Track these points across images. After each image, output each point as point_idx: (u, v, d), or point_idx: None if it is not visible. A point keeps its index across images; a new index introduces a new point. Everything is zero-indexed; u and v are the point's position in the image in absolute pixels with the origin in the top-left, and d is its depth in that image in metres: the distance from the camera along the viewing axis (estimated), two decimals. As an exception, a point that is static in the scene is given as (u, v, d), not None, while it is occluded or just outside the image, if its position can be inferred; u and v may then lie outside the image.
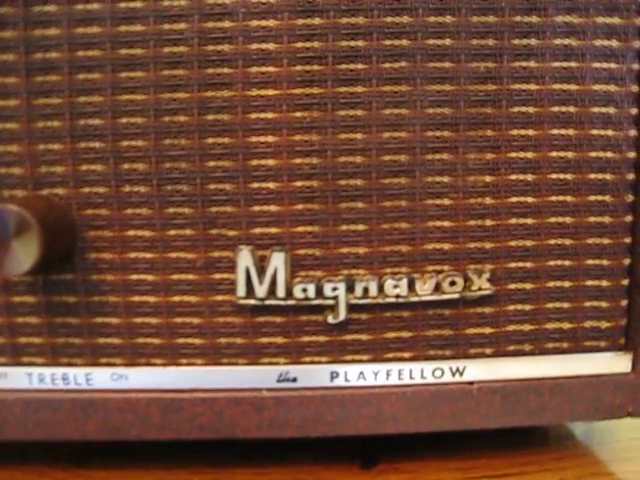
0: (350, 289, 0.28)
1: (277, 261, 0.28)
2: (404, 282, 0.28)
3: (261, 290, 0.28)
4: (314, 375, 0.29)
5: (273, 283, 0.28)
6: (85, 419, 0.30)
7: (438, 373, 0.30)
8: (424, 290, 0.29)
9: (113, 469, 0.32)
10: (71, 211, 0.29)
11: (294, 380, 0.30)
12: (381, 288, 0.28)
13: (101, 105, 0.28)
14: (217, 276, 0.29)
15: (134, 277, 0.29)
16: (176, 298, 0.29)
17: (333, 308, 0.29)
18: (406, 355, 0.30)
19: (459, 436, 0.32)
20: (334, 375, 0.30)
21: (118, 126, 0.28)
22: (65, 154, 0.29)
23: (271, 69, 0.28)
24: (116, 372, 0.30)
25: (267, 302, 0.28)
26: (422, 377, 0.30)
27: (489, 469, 0.32)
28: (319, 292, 0.28)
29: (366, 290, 0.28)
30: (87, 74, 0.28)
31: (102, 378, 0.30)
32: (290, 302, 0.28)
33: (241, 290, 0.28)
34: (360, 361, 0.29)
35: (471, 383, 0.30)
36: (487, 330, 0.30)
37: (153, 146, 0.28)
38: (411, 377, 0.30)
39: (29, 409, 0.30)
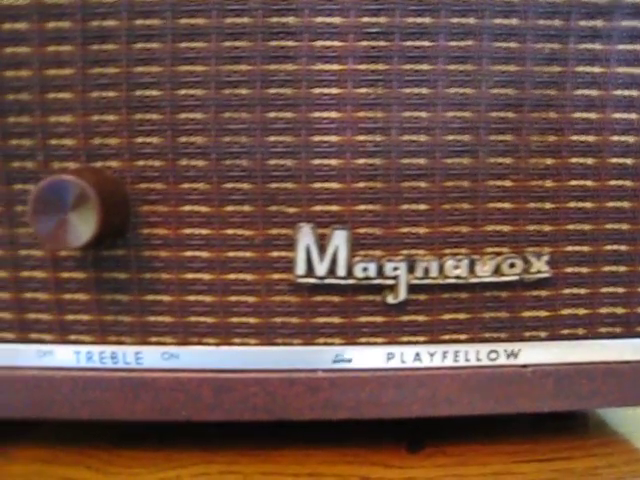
0: (411, 269, 0.28)
1: (338, 239, 0.28)
2: (465, 263, 0.28)
3: (321, 269, 0.28)
4: (370, 356, 0.29)
5: (333, 262, 0.28)
6: (134, 399, 0.29)
7: (493, 355, 0.30)
8: (484, 272, 0.28)
9: (157, 450, 0.32)
10: (125, 184, 0.28)
11: (349, 361, 0.29)
12: (441, 269, 0.28)
13: (159, 76, 0.27)
14: (275, 254, 0.28)
15: (188, 254, 0.28)
16: (231, 276, 0.29)
17: (393, 288, 0.28)
18: (462, 337, 0.29)
19: (501, 420, 0.32)
20: (390, 356, 0.29)
21: (176, 98, 0.27)
22: (120, 125, 0.28)
23: (337, 43, 0.27)
24: (167, 351, 0.29)
25: (327, 281, 0.28)
26: (477, 359, 0.29)
27: (535, 453, 0.32)
28: (380, 272, 0.28)
29: (426, 270, 0.28)
30: (145, 43, 0.27)
31: (152, 357, 0.29)
32: (350, 281, 0.28)
33: (300, 268, 0.28)
34: (416, 342, 0.29)
35: (525, 366, 0.30)
36: (542, 313, 0.30)
37: (213, 119, 0.28)
38: (466, 359, 0.29)
39: (77, 388, 0.29)
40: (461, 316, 0.29)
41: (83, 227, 0.26)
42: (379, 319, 0.29)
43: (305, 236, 0.28)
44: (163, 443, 0.32)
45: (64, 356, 0.30)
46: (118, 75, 0.28)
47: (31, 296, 0.30)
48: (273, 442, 0.32)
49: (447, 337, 0.29)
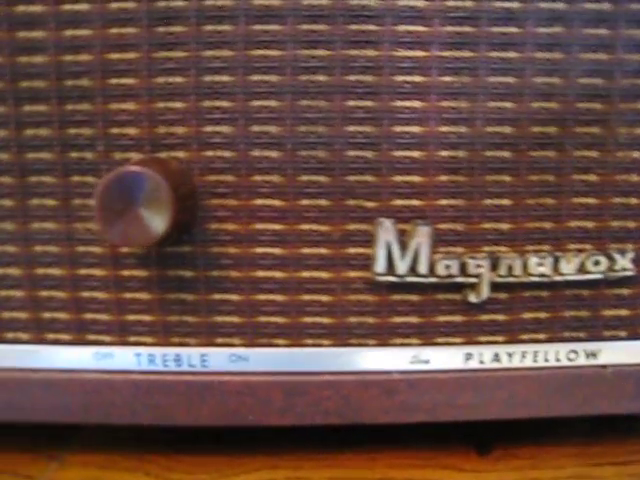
0: (494, 267, 0.27)
1: (421, 236, 0.26)
2: (549, 260, 0.27)
3: (402, 266, 0.27)
4: (448, 357, 0.28)
5: (415, 259, 0.27)
6: (200, 403, 0.28)
7: (572, 356, 0.29)
8: (568, 269, 0.27)
9: (218, 455, 0.30)
10: (192, 176, 0.27)
11: (427, 362, 0.28)
12: (525, 266, 0.27)
13: (231, 60, 0.26)
14: (351, 250, 0.27)
15: (259, 250, 0.27)
16: (305, 274, 0.27)
17: (474, 286, 0.27)
18: (541, 336, 0.28)
19: (564, 420, 0.32)
20: (468, 357, 0.28)
21: (249, 84, 0.26)
22: (188, 113, 0.26)
23: (420, 29, 0.26)
24: (235, 353, 0.28)
25: (407, 279, 0.27)
26: (556, 359, 0.28)
27: (609, 456, 0.31)
28: (463, 269, 0.27)
29: (510, 268, 0.27)
30: (216, 25, 0.26)
31: (219, 359, 0.28)
32: (432, 279, 0.27)
33: (380, 266, 0.27)
34: (495, 342, 0.28)
35: (604, 367, 0.29)
36: (623, 312, 0.29)
37: (288, 107, 0.26)
38: (546, 359, 0.28)
39: (139, 392, 0.28)
40: (541, 315, 0.28)
41: (155, 223, 0.24)
42: (458, 318, 0.28)
43: (386, 232, 0.26)
44: (223, 447, 0.31)
45: (124, 359, 0.28)
46: (186, 59, 0.26)
47: (89, 295, 0.28)
48: (338, 445, 0.31)
49: (526, 337, 0.28)
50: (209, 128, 0.26)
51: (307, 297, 0.27)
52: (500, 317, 0.28)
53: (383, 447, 0.31)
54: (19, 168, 0.27)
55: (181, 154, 0.26)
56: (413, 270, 0.27)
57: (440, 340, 0.28)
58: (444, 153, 0.27)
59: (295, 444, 0.31)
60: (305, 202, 0.27)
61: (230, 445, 0.31)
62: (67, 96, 0.26)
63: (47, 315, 0.28)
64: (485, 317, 0.28)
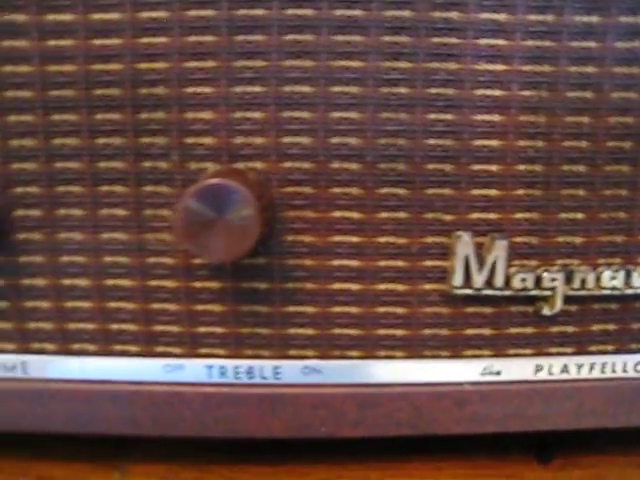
0: (568, 280, 0.27)
1: (498, 249, 0.26)
2: (621, 274, 0.27)
3: (479, 279, 0.27)
4: (518, 368, 0.28)
5: (491, 272, 0.27)
6: (272, 416, 0.28)
7: None
8: (639, 282, 0.28)
9: (280, 464, 0.30)
10: (271, 187, 0.26)
11: (498, 373, 0.28)
12: (598, 279, 0.27)
13: (312, 71, 0.25)
14: (428, 263, 0.27)
15: (336, 263, 0.27)
16: (381, 286, 0.27)
17: (547, 299, 0.28)
18: (609, 348, 0.29)
19: (634, 431, 0.32)
20: (538, 368, 0.28)
21: (330, 95, 0.26)
22: (267, 123, 0.26)
23: (501, 42, 0.26)
24: (308, 365, 0.28)
25: (484, 292, 0.27)
26: (624, 371, 0.29)
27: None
28: (537, 282, 0.27)
29: (583, 281, 0.27)
30: (298, 35, 0.25)
31: (292, 372, 0.28)
32: (507, 292, 0.27)
33: (458, 279, 0.27)
34: (564, 354, 0.28)
35: (669, 377, 0.30)
36: (688, 323, 0.29)
37: (370, 119, 0.26)
38: (613, 370, 0.29)
39: (209, 405, 0.28)
40: (610, 327, 0.28)
41: (242, 237, 0.24)
42: (529, 330, 0.28)
43: (465, 246, 0.26)
44: (285, 456, 0.31)
45: (195, 371, 0.28)
46: (266, 69, 0.25)
47: (159, 307, 0.27)
48: (400, 454, 0.31)
49: (595, 348, 0.28)
50: (288, 139, 0.26)
51: (382, 309, 0.27)
52: (570, 329, 0.28)
53: (446, 456, 0.31)
54: (90, 177, 0.27)
55: (259, 165, 0.26)
56: (489, 283, 0.27)
57: (511, 352, 0.28)
58: (521, 167, 0.27)
59: (358, 453, 0.31)
60: (383, 215, 0.27)
61: (292, 454, 0.31)
62: (142, 104, 0.26)
63: (115, 327, 0.28)
64: (555, 329, 0.28)
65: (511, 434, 0.30)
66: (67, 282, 0.27)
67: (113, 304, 0.28)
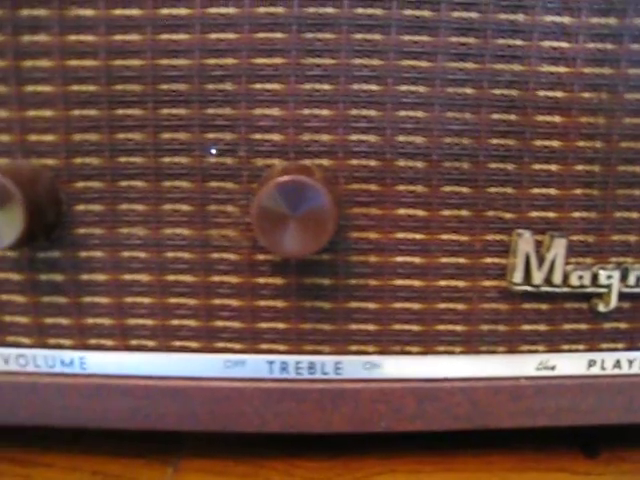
0: (623, 277, 0.28)
1: (558, 247, 0.27)
2: (673, 271, 0.28)
3: (538, 276, 0.27)
4: (572, 363, 0.29)
5: (550, 270, 0.27)
6: (332, 411, 0.28)
7: (685, 362, 0.30)
8: (689, 280, 0.29)
9: (332, 459, 0.30)
10: (337, 184, 0.27)
11: (553, 368, 0.29)
12: (651, 277, 0.28)
13: (381, 69, 0.25)
14: (488, 260, 0.27)
15: (399, 259, 0.27)
16: (442, 283, 0.27)
17: (603, 296, 0.28)
18: (659, 344, 0.30)
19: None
20: (591, 363, 0.29)
21: (398, 93, 0.26)
22: (334, 121, 0.26)
23: (564, 45, 0.26)
24: (369, 360, 0.28)
25: (543, 289, 0.27)
26: (673, 366, 0.30)
27: None
28: (594, 280, 0.28)
29: (638, 279, 0.28)
30: (367, 34, 0.25)
31: (353, 367, 0.28)
32: (565, 289, 0.28)
33: (518, 276, 0.27)
34: (616, 349, 0.29)
35: None
36: None
37: (436, 118, 0.26)
38: (663, 366, 0.30)
39: (270, 400, 0.28)
40: (660, 323, 0.30)
41: (317, 232, 0.24)
42: (583, 326, 0.29)
43: (526, 243, 0.27)
44: (337, 450, 0.31)
45: (256, 366, 0.28)
46: (334, 66, 0.26)
47: (221, 302, 0.27)
48: (447, 447, 0.32)
49: (644, 344, 0.30)
50: (355, 136, 0.26)
51: (442, 305, 0.28)
52: (622, 325, 0.29)
53: (495, 450, 0.31)
54: (154, 172, 0.27)
55: (325, 162, 0.26)
56: (547, 280, 0.28)
57: (565, 347, 0.29)
58: (580, 167, 0.27)
59: (410, 447, 0.31)
60: (446, 212, 0.27)
61: (344, 448, 0.31)
62: (209, 100, 0.26)
63: (175, 322, 0.28)
64: (608, 325, 0.29)
65: (556, 428, 0.31)
66: (128, 277, 0.27)
67: (174, 300, 0.28)
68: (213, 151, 0.26)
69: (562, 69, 0.26)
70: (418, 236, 0.27)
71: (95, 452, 0.30)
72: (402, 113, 0.26)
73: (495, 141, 0.27)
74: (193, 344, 0.28)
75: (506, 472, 0.30)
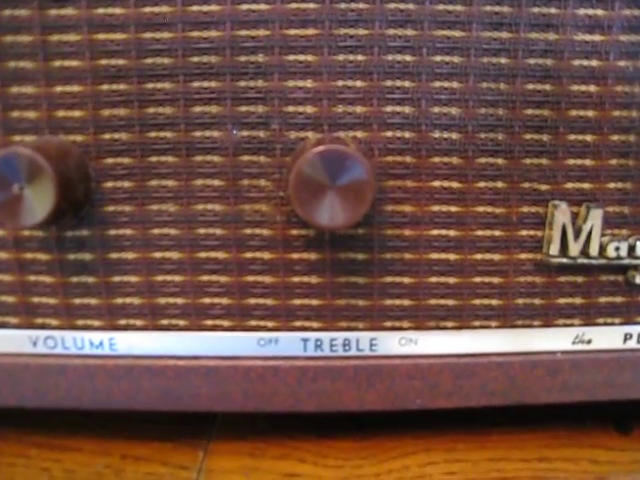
0: (660, 248, 0.28)
1: (594, 218, 0.27)
2: None
3: (575, 248, 0.27)
4: (608, 337, 0.28)
5: (587, 241, 0.27)
6: (367, 388, 0.27)
7: None
8: None
9: (361, 440, 0.30)
10: (371, 156, 0.26)
11: (589, 342, 0.28)
12: (686, 248, 0.28)
13: (414, 39, 0.25)
14: (523, 233, 0.27)
15: (434, 232, 0.27)
16: (478, 256, 0.27)
17: (638, 268, 0.28)
18: (695, 316, 0.29)
19: None
20: (627, 337, 0.29)
21: (432, 64, 0.25)
22: (369, 93, 0.25)
23: (599, 12, 0.26)
24: (405, 336, 0.27)
25: (579, 261, 0.27)
26: None
27: None
28: (631, 251, 0.27)
29: (673, 250, 0.28)
30: (399, 4, 0.25)
31: (389, 343, 0.27)
32: (601, 261, 0.27)
33: (554, 248, 0.27)
34: (651, 322, 0.29)
35: None
36: None
37: (470, 89, 0.25)
38: (697, 338, 0.30)
39: (304, 378, 0.27)
40: (695, 295, 0.29)
41: (356, 203, 0.23)
42: (618, 299, 0.28)
43: (562, 214, 0.27)
44: (368, 431, 0.31)
45: (290, 344, 0.27)
46: (368, 37, 0.25)
47: (253, 279, 0.27)
48: (480, 426, 0.31)
49: (680, 317, 0.29)
50: (389, 108, 0.26)
51: (478, 279, 0.27)
52: (658, 298, 0.29)
53: (527, 428, 0.31)
54: (185, 147, 0.26)
55: (359, 134, 0.26)
56: (584, 252, 0.27)
57: (600, 320, 0.29)
58: (615, 137, 0.27)
59: (442, 427, 0.31)
60: (482, 184, 0.27)
61: (375, 429, 0.31)
62: (241, 72, 0.25)
63: (207, 301, 0.27)
64: (643, 298, 0.29)
65: (589, 404, 0.30)
66: (158, 255, 0.27)
67: (206, 277, 0.27)
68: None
69: (597, 37, 0.26)
70: (453, 208, 0.27)
71: (124, 436, 0.30)
72: (437, 84, 0.26)
73: (530, 111, 0.26)
74: (225, 322, 0.27)
75: (540, 449, 0.30)
